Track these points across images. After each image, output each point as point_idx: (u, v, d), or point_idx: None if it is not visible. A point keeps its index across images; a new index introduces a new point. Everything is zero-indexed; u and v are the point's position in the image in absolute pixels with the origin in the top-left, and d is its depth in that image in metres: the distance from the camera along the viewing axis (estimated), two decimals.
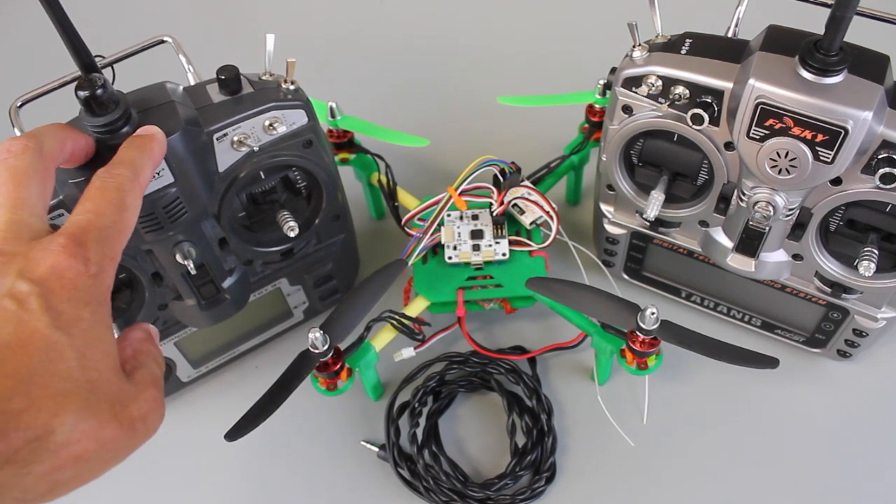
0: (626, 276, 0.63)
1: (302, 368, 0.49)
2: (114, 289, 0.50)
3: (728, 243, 0.52)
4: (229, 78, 0.46)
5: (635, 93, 0.48)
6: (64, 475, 0.30)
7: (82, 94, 0.39)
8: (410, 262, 0.57)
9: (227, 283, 0.52)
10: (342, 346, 0.52)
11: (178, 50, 0.51)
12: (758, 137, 0.43)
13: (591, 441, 0.57)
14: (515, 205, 0.58)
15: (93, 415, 0.31)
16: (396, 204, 0.62)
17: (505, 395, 0.57)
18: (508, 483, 0.54)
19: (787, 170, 0.43)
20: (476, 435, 0.58)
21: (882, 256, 0.47)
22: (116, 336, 0.46)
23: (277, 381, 0.49)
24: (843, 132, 0.40)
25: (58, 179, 0.42)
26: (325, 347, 0.49)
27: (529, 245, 0.58)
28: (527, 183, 0.58)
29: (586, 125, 0.65)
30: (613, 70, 0.53)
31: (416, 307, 0.57)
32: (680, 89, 0.46)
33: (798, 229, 0.49)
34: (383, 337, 0.56)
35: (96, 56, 0.41)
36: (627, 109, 0.49)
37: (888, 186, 0.42)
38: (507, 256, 0.57)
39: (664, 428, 0.57)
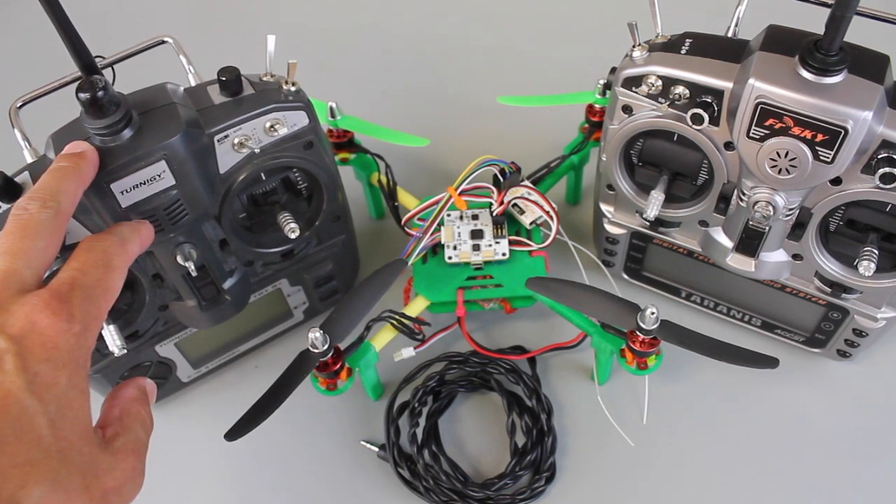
0: (626, 276, 0.63)
1: (302, 368, 0.49)
2: None
3: (728, 243, 0.52)
4: (230, 79, 0.46)
5: (635, 93, 0.48)
6: None
7: (83, 96, 0.39)
8: (410, 262, 0.57)
9: (227, 284, 0.52)
10: (342, 345, 0.52)
11: (178, 51, 0.51)
12: (758, 137, 0.43)
13: (591, 441, 0.57)
14: (515, 205, 0.58)
15: (61, 487, 0.29)
16: (396, 204, 0.62)
17: (505, 394, 0.57)
18: (508, 483, 0.54)
19: (787, 170, 0.43)
20: (476, 435, 0.58)
21: (882, 256, 0.47)
22: (117, 336, 0.46)
23: (277, 381, 0.49)
24: (843, 132, 0.40)
25: None
26: (325, 347, 0.49)
27: (529, 245, 0.58)
28: (527, 183, 0.58)
29: (586, 125, 0.65)
30: (613, 70, 0.53)
31: (416, 307, 0.57)
32: (680, 89, 0.46)
33: (798, 229, 0.49)
34: (383, 337, 0.56)
35: (96, 57, 0.41)
36: (627, 109, 0.49)
37: (888, 186, 0.42)
38: (507, 256, 0.57)
39: (664, 428, 0.57)
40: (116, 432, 0.34)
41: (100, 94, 0.39)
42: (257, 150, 0.47)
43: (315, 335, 0.48)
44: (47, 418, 0.30)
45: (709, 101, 0.45)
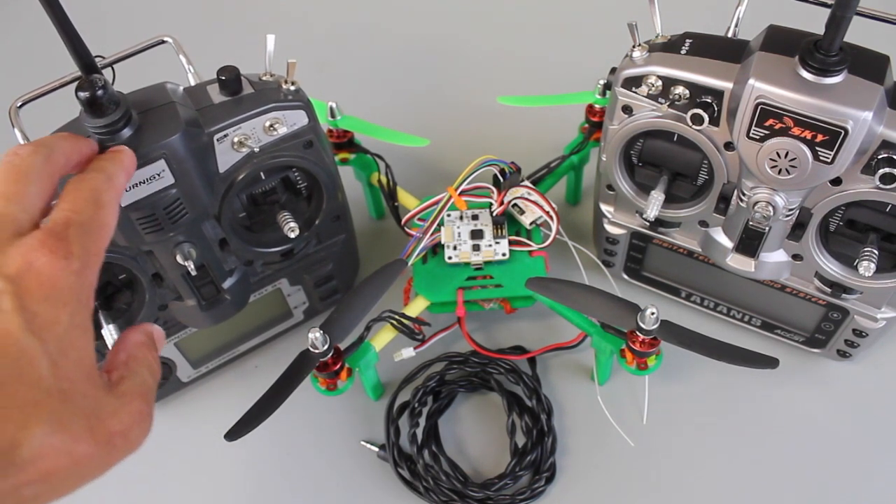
0: (626, 276, 0.63)
1: (302, 368, 0.49)
2: (114, 289, 0.51)
3: (728, 243, 0.52)
4: (230, 78, 0.46)
5: (635, 93, 0.48)
6: (31, 491, 0.28)
7: (83, 95, 0.39)
8: (410, 262, 0.57)
9: (227, 284, 0.52)
10: (342, 345, 0.52)
11: (178, 50, 0.51)
12: (758, 137, 0.43)
13: (591, 441, 0.57)
14: (515, 205, 0.58)
15: (64, 428, 0.28)
16: (396, 204, 0.62)
17: (505, 395, 0.57)
18: (508, 483, 0.54)
19: (787, 170, 0.43)
20: (476, 435, 0.58)
21: (882, 256, 0.47)
22: (116, 336, 0.45)
23: (277, 381, 0.49)
24: (843, 132, 0.40)
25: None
26: (325, 347, 0.49)
27: (529, 245, 0.58)
28: (527, 183, 0.58)
29: (586, 125, 0.65)
30: (613, 70, 0.53)
31: (416, 307, 0.57)
32: (680, 89, 0.46)
33: (798, 229, 0.49)
34: (383, 337, 0.56)
35: (96, 56, 0.41)
36: (627, 109, 0.49)
37: (888, 186, 0.42)
38: (507, 256, 0.57)
39: (664, 428, 0.57)
40: (122, 375, 0.33)
41: (99, 93, 0.39)
42: (257, 150, 0.47)
43: (315, 335, 0.48)
44: (48, 358, 0.29)
45: (709, 101, 0.45)
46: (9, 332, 0.28)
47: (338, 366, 0.52)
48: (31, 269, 0.30)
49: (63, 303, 0.30)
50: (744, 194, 0.47)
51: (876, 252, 0.47)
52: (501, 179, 0.57)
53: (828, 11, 0.39)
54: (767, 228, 0.49)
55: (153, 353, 0.37)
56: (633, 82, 0.47)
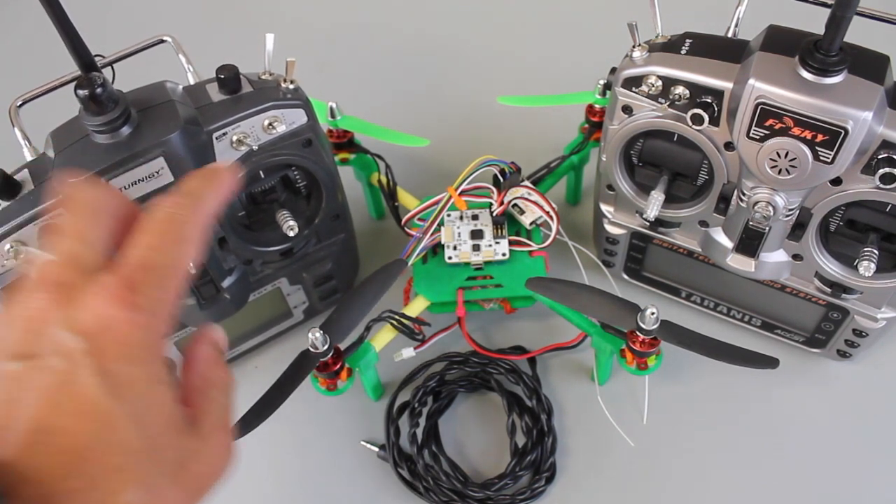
0: (626, 276, 0.63)
1: (302, 368, 0.49)
2: None
3: (728, 243, 0.52)
4: (229, 77, 0.46)
5: (635, 93, 0.48)
6: None
7: (82, 92, 0.39)
8: (410, 262, 0.57)
9: (226, 283, 0.52)
10: (342, 346, 0.52)
11: (177, 49, 0.51)
12: (758, 137, 0.43)
13: (591, 441, 0.57)
14: (515, 205, 0.58)
15: (153, 486, 0.28)
16: (396, 204, 0.62)
17: (505, 395, 0.57)
18: (508, 483, 0.54)
19: (787, 170, 0.43)
20: (476, 435, 0.58)
21: (882, 256, 0.47)
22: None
23: (277, 381, 0.49)
24: (843, 132, 0.40)
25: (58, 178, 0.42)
26: (325, 347, 0.49)
27: (529, 245, 0.58)
28: (527, 183, 0.58)
29: (586, 125, 0.65)
30: (613, 70, 0.53)
31: (416, 307, 0.57)
32: (680, 89, 0.46)
33: (798, 229, 0.49)
34: (383, 337, 0.56)
35: (96, 55, 0.41)
36: (627, 109, 0.49)
37: (888, 186, 0.42)
38: (507, 256, 0.57)
39: (664, 428, 0.57)
40: (202, 409, 0.32)
41: (98, 90, 0.39)
42: (255, 148, 0.47)
43: (315, 335, 0.48)
44: (131, 420, 0.28)
45: (709, 101, 0.45)
46: (90, 398, 0.27)
47: (338, 366, 0.52)
48: (103, 324, 0.28)
49: (139, 360, 0.29)
50: (744, 194, 0.47)
51: (876, 252, 0.47)
52: (501, 179, 0.57)
53: (828, 11, 0.39)
54: (767, 228, 0.49)
55: (223, 367, 0.35)
56: (634, 82, 0.47)
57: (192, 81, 0.50)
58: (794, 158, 0.43)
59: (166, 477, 0.28)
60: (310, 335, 0.48)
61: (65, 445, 0.26)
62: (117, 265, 0.29)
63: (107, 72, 0.44)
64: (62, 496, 0.25)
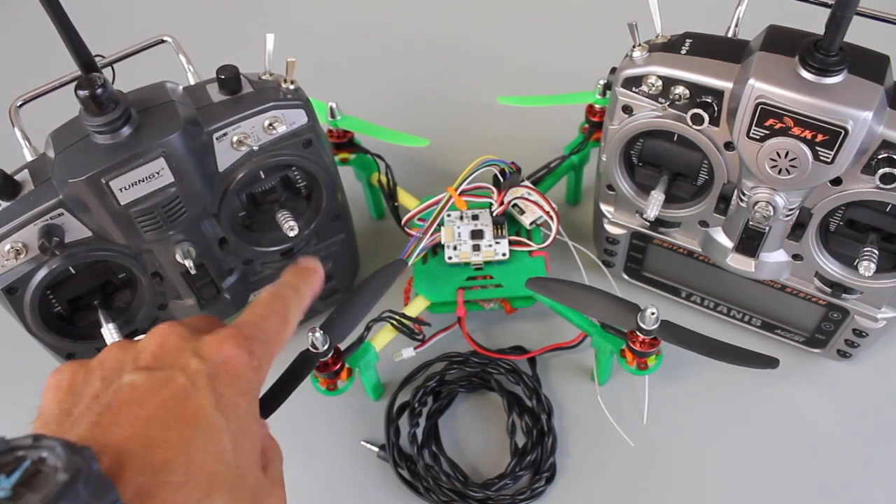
0: (626, 276, 0.63)
1: (302, 368, 0.49)
2: (114, 288, 0.51)
3: (728, 243, 0.52)
4: (229, 77, 0.46)
5: (635, 93, 0.48)
6: None
7: (82, 93, 0.39)
8: (410, 262, 0.57)
9: (226, 283, 0.52)
10: (342, 346, 0.52)
11: (177, 50, 0.51)
12: (758, 137, 0.43)
13: (591, 441, 0.57)
14: (515, 205, 0.58)
15: (237, 500, 0.31)
16: (396, 204, 0.62)
17: (505, 395, 0.57)
18: (508, 483, 0.54)
19: (787, 170, 0.43)
20: (476, 435, 0.58)
21: (882, 256, 0.47)
22: (116, 335, 0.46)
23: (277, 381, 0.49)
24: (843, 132, 0.40)
25: (58, 179, 0.42)
26: (325, 347, 0.49)
27: (529, 245, 0.58)
28: (527, 183, 0.58)
29: (586, 125, 0.65)
30: (613, 70, 0.53)
31: (416, 307, 0.57)
32: (680, 89, 0.46)
33: (798, 229, 0.49)
34: (383, 337, 0.56)
35: (96, 56, 0.41)
36: (627, 109, 0.49)
37: (888, 186, 0.42)
38: (507, 256, 0.57)
39: (664, 428, 0.57)
40: (266, 462, 0.37)
41: (98, 91, 0.39)
42: (256, 148, 0.47)
43: (315, 335, 0.48)
44: (230, 435, 0.31)
45: (709, 101, 0.45)
46: (202, 407, 0.31)
47: (338, 366, 0.52)
48: (223, 357, 0.33)
49: (243, 391, 0.33)
50: (744, 194, 0.47)
51: (876, 252, 0.47)
52: (501, 179, 0.57)
53: (828, 11, 0.39)
54: (767, 228, 0.49)
55: (275, 441, 0.41)
56: (634, 82, 0.47)
57: (192, 81, 0.50)
58: (794, 158, 0.43)
59: (247, 500, 0.32)
60: (310, 335, 0.48)
61: (173, 442, 0.29)
62: (235, 325, 0.36)
63: (107, 72, 0.44)
64: (162, 488, 0.28)
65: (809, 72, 0.40)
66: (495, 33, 0.86)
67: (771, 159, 0.43)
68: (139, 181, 0.42)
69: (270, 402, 0.48)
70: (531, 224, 0.58)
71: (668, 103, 0.47)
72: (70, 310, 0.49)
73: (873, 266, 0.46)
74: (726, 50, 0.45)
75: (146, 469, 0.28)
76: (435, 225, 0.57)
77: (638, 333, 0.50)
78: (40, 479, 0.23)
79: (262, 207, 0.52)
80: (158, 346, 0.34)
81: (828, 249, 0.50)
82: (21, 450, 0.24)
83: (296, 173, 0.52)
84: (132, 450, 0.29)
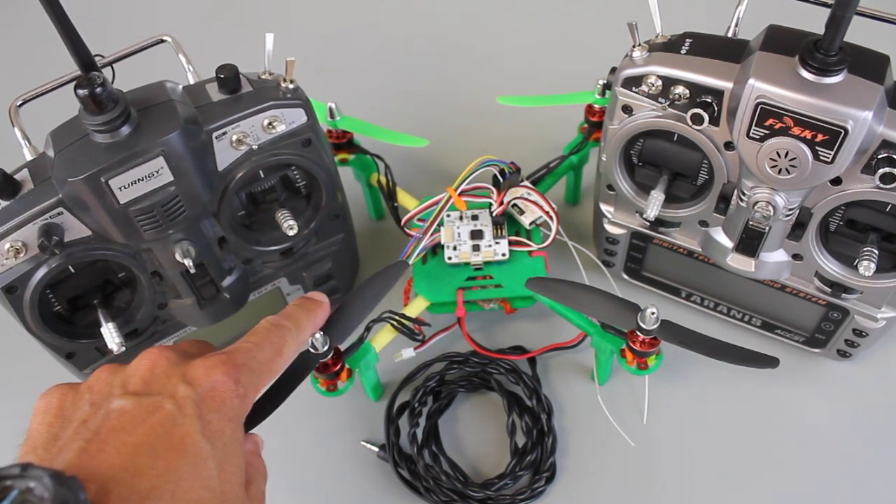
0: (626, 276, 0.63)
1: (302, 369, 0.49)
2: (113, 288, 0.51)
3: (728, 243, 0.52)
4: (228, 77, 0.46)
5: (635, 93, 0.48)
6: None
7: (81, 92, 0.39)
8: (410, 263, 0.57)
9: (226, 282, 0.52)
10: (342, 346, 0.52)
11: (177, 49, 0.51)
12: (758, 137, 0.43)
13: (591, 441, 0.57)
14: (515, 205, 0.58)
15: None
16: (396, 204, 0.62)
17: (505, 395, 0.57)
18: (508, 483, 0.54)
19: (787, 170, 0.43)
20: (476, 435, 0.58)
21: (882, 256, 0.47)
22: (115, 334, 0.47)
23: (277, 382, 0.49)
24: (843, 132, 0.40)
25: (57, 178, 0.42)
26: (325, 348, 0.49)
27: (529, 245, 0.58)
28: (526, 183, 0.58)
29: (586, 125, 0.65)
30: (613, 70, 0.53)
31: (416, 307, 0.57)
32: (680, 89, 0.46)
33: (798, 229, 0.49)
34: (383, 337, 0.56)
35: (96, 55, 0.41)
36: (627, 109, 0.49)
37: (888, 186, 0.42)
38: (507, 256, 0.57)
39: (664, 428, 0.57)
40: (250, 480, 0.37)
41: (98, 90, 0.39)
42: (255, 147, 0.47)
43: (315, 336, 0.48)
44: (216, 461, 0.32)
45: (709, 101, 0.45)
46: (189, 434, 0.32)
47: (338, 367, 0.52)
48: (210, 382, 0.34)
49: (228, 418, 0.34)
50: (744, 194, 0.47)
51: (876, 252, 0.47)
52: (501, 179, 0.57)
53: (828, 11, 0.39)
54: (767, 228, 0.49)
55: (261, 459, 0.41)
56: (633, 82, 0.47)
57: (192, 81, 0.50)
58: (794, 158, 0.43)
59: None
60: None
61: (160, 470, 0.30)
62: (226, 351, 0.36)
63: (107, 72, 0.44)
64: None
65: (809, 72, 0.40)
66: (495, 33, 0.86)
67: (771, 159, 0.43)
68: (138, 180, 0.42)
69: (271, 403, 0.48)
70: (531, 224, 0.58)
71: (668, 103, 0.47)
72: (70, 309, 0.49)
73: (873, 266, 0.46)
74: (726, 50, 0.45)
75: (132, 496, 0.29)
76: (434, 225, 0.57)
77: (638, 333, 0.50)
78: None
79: (261, 207, 0.52)
80: (148, 371, 0.34)
81: (828, 249, 0.50)
82: (9, 479, 0.25)
83: (295, 173, 0.52)
84: (119, 478, 0.29)
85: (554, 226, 0.57)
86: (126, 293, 0.51)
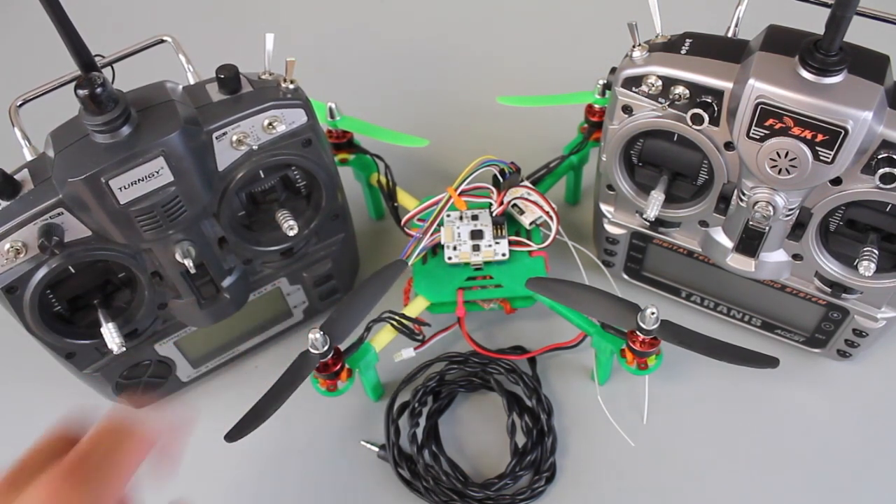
0: (626, 276, 0.63)
1: (302, 369, 0.49)
2: (113, 288, 0.51)
3: (728, 243, 0.52)
4: (229, 77, 0.46)
5: (635, 93, 0.48)
6: None
7: (81, 92, 0.39)
8: (410, 263, 0.57)
9: (226, 283, 0.52)
10: (342, 346, 0.52)
11: (177, 49, 0.51)
12: (758, 137, 0.43)
13: (591, 441, 0.57)
14: (515, 205, 0.58)
15: None
16: (396, 204, 0.62)
17: (505, 395, 0.57)
18: (508, 483, 0.54)
19: (787, 170, 0.43)
20: (476, 435, 0.58)
21: (882, 256, 0.47)
22: (115, 334, 0.44)
23: (278, 382, 0.49)
24: (843, 132, 0.40)
25: (57, 178, 0.42)
26: (325, 348, 0.49)
27: (529, 245, 0.58)
28: (526, 183, 0.58)
29: (586, 125, 0.65)
30: (613, 70, 0.53)
31: (416, 307, 0.57)
32: (680, 89, 0.46)
33: (798, 229, 0.49)
34: (383, 337, 0.56)
35: (96, 55, 0.41)
36: (627, 109, 0.49)
37: (888, 186, 0.42)
38: (507, 256, 0.57)
39: (664, 428, 0.57)
40: None
41: (98, 90, 0.39)
42: (255, 147, 0.47)
43: (315, 336, 0.48)
44: None
45: (709, 101, 0.45)
46: None
47: (338, 366, 0.52)
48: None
49: None
50: (744, 194, 0.47)
51: (876, 252, 0.47)
52: (501, 179, 0.57)
53: (828, 11, 0.39)
54: (767, 228, 0.49)
55: None
56: (633, 82, 0.47)
57: (192, 81, 0.50)
58: (794, 158, 0.43)
59: None
60: (310, 336, 0.48)
61: None
62: (63, 460, 0.31)
63: (107, 72, 0.44)
64: None
65: (809, 72, 0.40)
66: (495, 33, 0.86)
67: (771, 159, 0.43)
68: (138, 180, 0.42)
69: (270, 404, 0.49)
70: (531, 224, 0.58)
71: (668, 103, 0.47)
72: (70, 309, 0.49)
73: (873, 266, 0.46)
74: (726, 50, 0.45)
75: None
76: (435, 225, 0.57)
77: (638, 333, 0.50)
78: None
79: (261, 207, 0.52)
80: None
81: (828, 249, 0.50)
82: None
83: (295, 173, 0.52)
84: None
85: (554, 226, 0.57)
86: (126, 293, 0.51)
